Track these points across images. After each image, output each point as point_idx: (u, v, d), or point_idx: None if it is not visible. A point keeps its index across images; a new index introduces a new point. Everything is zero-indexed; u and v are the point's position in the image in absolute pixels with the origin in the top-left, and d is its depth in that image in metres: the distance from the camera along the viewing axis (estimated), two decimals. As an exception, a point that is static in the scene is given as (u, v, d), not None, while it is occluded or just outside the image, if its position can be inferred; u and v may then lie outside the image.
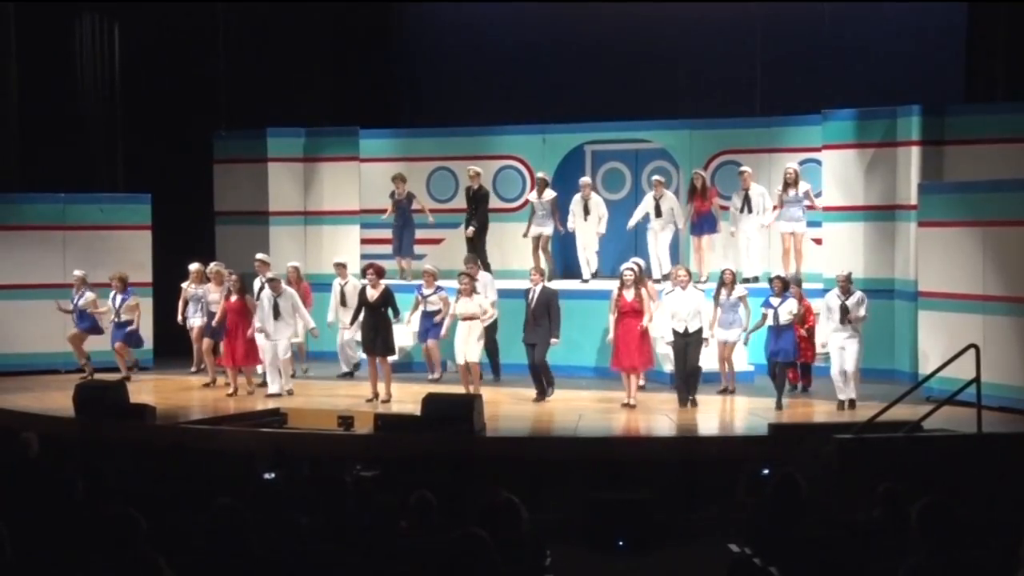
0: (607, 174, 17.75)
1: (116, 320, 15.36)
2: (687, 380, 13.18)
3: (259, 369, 14.51)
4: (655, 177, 16.02)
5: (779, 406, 13.03)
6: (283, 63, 18.67)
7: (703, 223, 15.75)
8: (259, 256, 15.27)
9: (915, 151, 14.67)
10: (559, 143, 17.31)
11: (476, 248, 16.04)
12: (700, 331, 13.17)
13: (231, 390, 14.36)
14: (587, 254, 16.25)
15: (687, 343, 13.14)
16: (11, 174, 17.33)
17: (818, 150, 15.63)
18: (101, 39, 18.37)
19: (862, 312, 12.92)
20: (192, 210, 17.88)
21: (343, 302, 15.32)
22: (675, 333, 13.20)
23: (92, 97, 18.34)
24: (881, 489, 6.88)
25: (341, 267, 15.57)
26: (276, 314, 13.98)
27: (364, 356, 14.42)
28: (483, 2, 18.63)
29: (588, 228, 16.06)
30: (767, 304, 13.36)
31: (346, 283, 15.40)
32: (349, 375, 15.57)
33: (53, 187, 16.81)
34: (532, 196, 16.32)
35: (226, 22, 18.61)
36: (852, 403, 12.83)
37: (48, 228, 16.56)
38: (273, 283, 14.12)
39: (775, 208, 15.34)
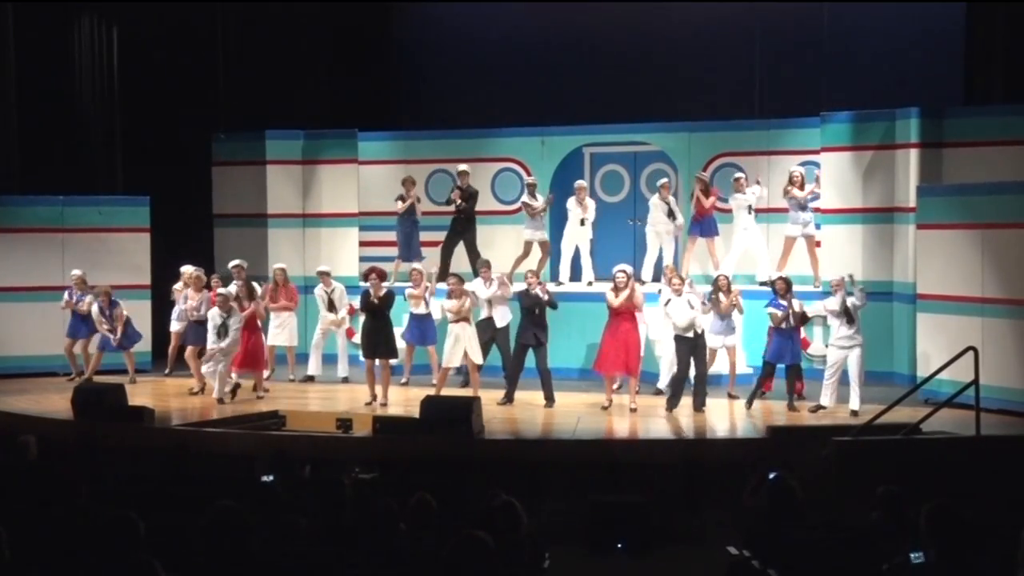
0: (606, 176, 17.75)
1: (112, 333, 15.24)
2: (694, 386, 13.10)
3: (265, 373, 14.64)
4: (662, 180, 15.97)
5: (792, 407, 13.03)
6: (282, 65, 18.69)
7: (706, 224, 15.71)
8: (237, 261, 14.91)
9: (914, 153, 14.67)
10: (558, 145, 17.29)
11: (467, 249, 16.01)
12: (702, 335, 13.15)
13: (259, 393, 14.38)
14: (581, 258, 16.21)
15: (686, 348, 13.11)
16: (10, 176, 17.29)
17: (817, 152, 15.62)
18: (100, 40, 18.35)
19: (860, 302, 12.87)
20: (191, 212, 17.87)
21: (330, 308, 15.28)
22: (676, 339, 13.19)
23: (91, 99, 18.32)
24: (880, 491, 6.88)
25: (325, 275, 15.41)
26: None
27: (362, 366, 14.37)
28: (483, 3, 18.64)
29: (580, 231, 16.03)
30: (776, 305, 13.25)
31: (332, 290, 15.31)
32: (311, 379, 15.49)
33: (52, 189, 16.79)
34: (526, 198, 16.29)
35: (225, 23, 18.62)
36: (854, 413, 12.61)
37: (47, 230, 16.50)
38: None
39: (785, 211, 15.28)
